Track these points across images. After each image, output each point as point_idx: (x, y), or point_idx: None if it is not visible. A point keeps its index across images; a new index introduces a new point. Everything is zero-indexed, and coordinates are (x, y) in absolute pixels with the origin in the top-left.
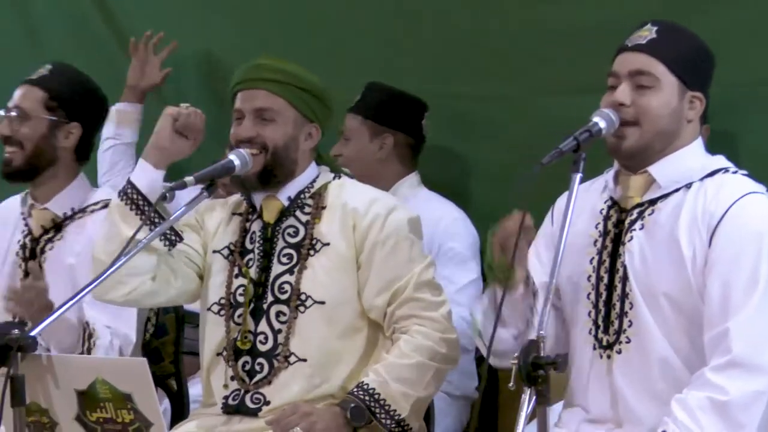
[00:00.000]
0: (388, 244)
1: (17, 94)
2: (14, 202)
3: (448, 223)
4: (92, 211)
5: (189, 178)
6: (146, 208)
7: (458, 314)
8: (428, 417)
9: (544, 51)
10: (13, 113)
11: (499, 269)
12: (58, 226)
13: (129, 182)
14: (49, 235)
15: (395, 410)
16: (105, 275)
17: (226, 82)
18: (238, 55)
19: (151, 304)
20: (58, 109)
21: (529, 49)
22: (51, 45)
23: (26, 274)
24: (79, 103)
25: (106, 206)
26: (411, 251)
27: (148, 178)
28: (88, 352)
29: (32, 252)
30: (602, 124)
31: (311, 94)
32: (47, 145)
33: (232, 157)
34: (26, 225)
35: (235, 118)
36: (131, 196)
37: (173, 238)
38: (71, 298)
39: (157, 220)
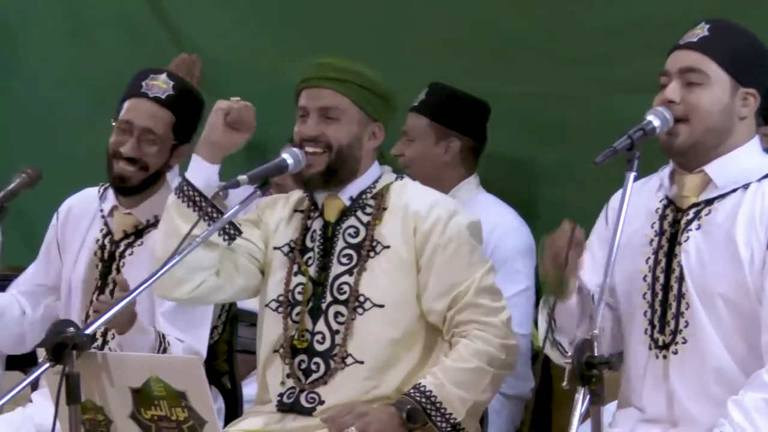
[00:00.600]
0: (449, 249)
1: (150, 116)
2: (91, 194)
3: (502, 232)
4: None
5: (242, 177)
6: (203, 204)
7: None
8: (482, 417)
9: (603, 49)
10: (154, 137)
11: (551, 282)
12: (139, 232)
13: (184, 179)
14: (130, 240)
15: (451, 413)
16: (163, 270)
17: (274, 80)
18: (289, 54)
19: (216, 300)
20: (180, 133)
21: (589, 47)
22: (103, 44)
23: (103, 275)
24: (194, 123)
25: None
26: (471, 256)
27: (203, 173)
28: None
29: (111, 254)
30: (656, 123)
31: (376, 93)
32: (164, 166)
33: (285, 155)
34: (106, 224)
35: (299, 116)
36: (187, 192)
37: (232, 232)
38: (130, 294)
39: (214, 214)
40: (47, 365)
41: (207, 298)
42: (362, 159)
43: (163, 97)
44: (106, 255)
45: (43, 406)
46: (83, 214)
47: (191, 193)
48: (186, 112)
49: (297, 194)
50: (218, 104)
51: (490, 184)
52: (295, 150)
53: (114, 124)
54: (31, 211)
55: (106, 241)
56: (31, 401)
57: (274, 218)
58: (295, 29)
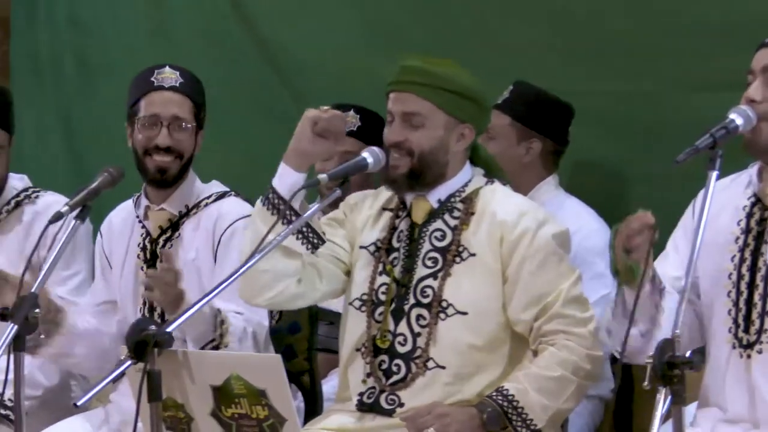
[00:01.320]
0: (536, 259)
1: (174, 103)
2: (128, 205)
3: (584, 234)
4: (206, 205)
5: (322, 176)
6: (282, 208)
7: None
8: (563, 425)
9: (686, 46)
10: (189, 125)
11: (623, 269)
12: (174, 224)
13: (270, 187)
14: (167, 235)
15: (532, 419)
16: (238, 274)
17: (360, 82)
18: (374, 55)
19: (295, 307)
20: (199, 117)
21: (671, 45)
22: (185, 45)
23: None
24: (205, 108)
25: (217, 199)
26: (559, 266)
27: (288, 181)
28: (221, 338)
29: (152, 253)
30: (739, 121)
31: (463, 95)
32: (192, 153)
33: (365, 154)
34: (143, 227)
35: (387, 120)
36: (272, 200)
37: (315, 241)
38: (207, 294)
39: (293, 218)
40: (129, 363)
41: (287, 305)
42: (450, 161)
43: (178, 84)
44: (148, 255)
45: (122, 404)
46: (123, 225)
47: (276, 201)
48: (200, 96)
49: (384, 193)
50: (307, 113)
51: (570, 184)
52: (375, 149)
53: (134, 125)
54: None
55: (146, 242)
56: (110, 401)
57: (361, 216)
58: (383, 30)
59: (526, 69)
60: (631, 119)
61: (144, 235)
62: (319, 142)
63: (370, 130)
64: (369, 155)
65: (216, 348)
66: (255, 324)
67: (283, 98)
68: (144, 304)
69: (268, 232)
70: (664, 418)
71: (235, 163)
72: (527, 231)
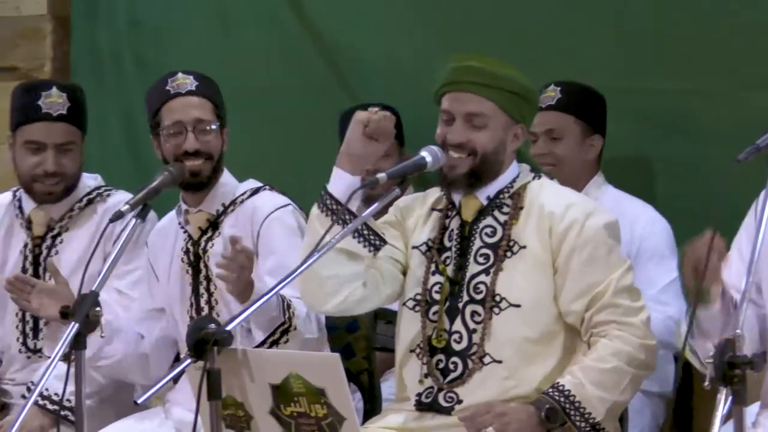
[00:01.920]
0: (585, 250)
1: (194, 106)
2: (171, 216)
3: (645, 222)
4: (242, 202)
5: (381, 175)
6: (338, 211)
7: (664, 313)
8: (621, 416)
9: (745, 44)
10: (213, 126)
11: (693, 291)
12: (213, 224)
13: (325, 191)
14: (208, 235)
15: (590, 413)
16: (298, 272)
17: (418, 82)
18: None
19: (362, 310)
20: (220, 115)
21: (729, 42)
22: (246, 46)
23: (194, 276)
24: (223, 106)
25: (252, 194)
26: (609, 257)
27: (343, 184)
28: (290, 321)
29: (195, 255)
30: None
31: (521, 96)
32: (221, 153)
33: (423, 153)
34: (185, 232)
35: (442, 119)
36: (329, 205)
37: (377, 242)
38: (269, 291)
39: (350, 220)
40: (189, 361)
41: (353, 310)
42: (505, 161)
43: (194, 88)
44: (191, 257)
45: (182, 403)
46: (167, 234)
47: (333, 205)
48: (217, 95)
49: (434, 192)
50: (357, 116)
51: (625, 183)
52: (434, 147)
53: (159, 136)
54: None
55: (189, 245)
56: (168, 400)
57: (413, 218)
58: (438, 30)
59: (581, 67)
60: (688, 118)
61: (186, 239)
62: (369, 143)
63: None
64: (428, 154)
65: (286, 331)
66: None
67: (340, 97)
68: (191, 306)
69: (325, 234)
70: (725, 419)
71: (294, 160)
72: (575, 222)
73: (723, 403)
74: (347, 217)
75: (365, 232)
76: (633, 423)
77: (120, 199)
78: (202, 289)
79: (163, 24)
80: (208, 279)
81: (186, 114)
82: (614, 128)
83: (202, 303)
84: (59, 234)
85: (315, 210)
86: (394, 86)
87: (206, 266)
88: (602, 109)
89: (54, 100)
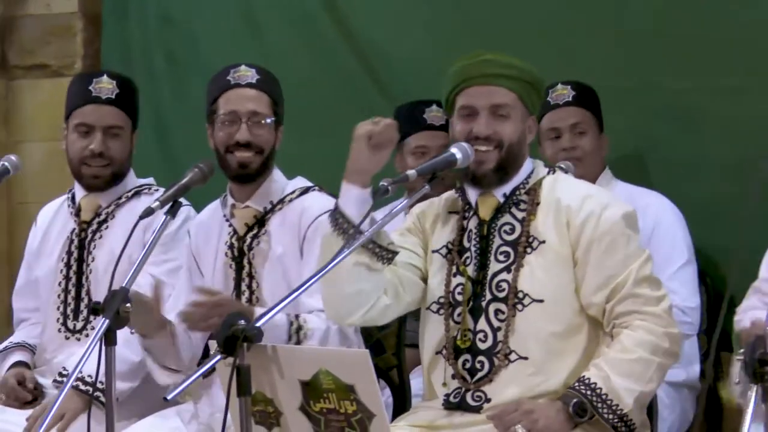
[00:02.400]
0: (604, 242)
1: (251, 99)
2: (215, 205)
3: (657, 209)
4: (290, 201)
5: (411, 172)
6: (351, 232)
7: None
8: (650, 411)
9: (747, 43)
10: (268, 120)
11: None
12: (260, 221)
13: (337, 209)
14: (254, 232)
15: (618, 405)
16: (303, 288)
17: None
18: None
19: (386, 320)
20: (278, 112)
21: (732, 41)
22: (278, 44)
23: (237, 272)
24: (283, 101)
25: (301, 194)
26: (627, 247)
27: (355, 200)
28: (298, 344)
29: (240, 251)
30: None
31: (535, 87)
32: (273, 149)
33: (453, 150)
34: (230, 226)
35: (463, 115)
36: (341, 225)
37: (387, 255)
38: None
39: (355, 234)
40: (219, 357)
41: (379, 320)
42: (525, 153)
43: (254, 81)
44: (236, 253)
45: (213, 399)
46: (211, 225)
47: (345, 224)
48: (277, 91)
49: (448, 196)
50: (358, 130)
51: (658, 181)
52: (464, 144)
53: (214, 125)
54: (202, 207)
55: (234, 240)
56: (201, 395)
57: (429, 222)
58: (469, 26)
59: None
60: (693, 115)
61: (231, 234)
62: (375, 154)
63: None
64: (458, 151)
65: None
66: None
67: (371, 93)
68: None
69: (333, 260)
70: (757, 415)
71: (322, 157)
72: (592, 214)
73: (753, 399)
74: (354, 234)
75: (371, 246)
76: (663, 417)
77: None
78: (244, 286)
79: (193, 21)
80: (251, 276)
81: (242, 105)
82: (621, 126)
83: (243, 300)
84: (105, 220)
85: (329, 228)
86: (424, 82)
87: (250, 263)
88: (599, 105)
89: (104, 86)
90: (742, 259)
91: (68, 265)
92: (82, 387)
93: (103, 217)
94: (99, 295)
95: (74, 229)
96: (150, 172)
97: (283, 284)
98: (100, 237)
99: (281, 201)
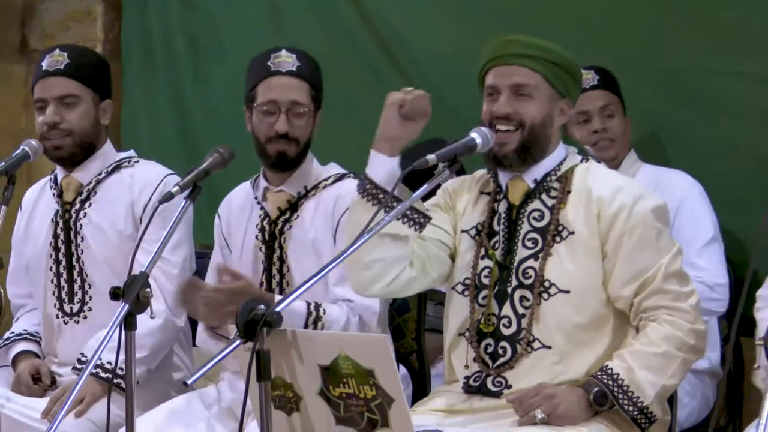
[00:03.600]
0: (634, 235)
1: (291, 88)
2: (245, 187)
3: (683, 186)
4: (324, 187)
5: (431, 156)
6: (383, 198)
7: (697, 278)
8: (671, 397)
9: None
10: (307, 110)
11: None
12: (293, 205)
13: (365, 176)
14: (286, 216)
15: (638, 397)
16: (334, 264)
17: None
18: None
19: (411, 292)
20: (317, 99)
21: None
22: (299, 32)
23: (267, 256)
24: (322, 88)
25: (336, 181)
26: (658, 241)
27: (384, 168)
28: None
29: (271, 234)
30: None
31: (565, 69)
32: (310, 136)
33: (473, 134)
34: (262, 209)
35: (486, 95)
36: (370, 190)
37: (421, 220)
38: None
39: (395, 206)
40: (239, 342)
41: (402, 292)
42: (552, 137)
43: (295, 69)
44: (267, 236)
45: (233, 383)
46: (242, 206)
47: (373, 190)
48: (317, 78)
49: (481, 176)
50: (390, 98)
51: (676, 163)
52: (484, 129)
53: (252, 110)
54: (223, 191)
55: (265, 223)
56: (222, 379)
57: (462, 201)
58: (491, 15)
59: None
60: (745, 101)
61: (263, 216)
62: (406, 124)
63: None
64: (477, 135)
65: None
66: (363, 309)
67: (390, 78)
68: (261, 285)
69: (370, 222)
70: None
71: (341, 141)
72: (624, 206)
73: None
74: (392, 202)
75: (409, 212)
76: (683, 403)
77: (148, 168)
78: (274, 270)
79: (213, 4)
80: (282, 260)
81: (282, 95)
82: (644, 110)
83: (274, 284)
84: (88, 198)
85: (356, 197)
86: (443, 65)
87: (281, 247)
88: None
89: (54, 59)
90: (764, 244)
91: (57, 249)
92: (102, 374)
93: (85, 195)
94: (94, 275)
95: (57, 210)
96: (169, 156)
97: (314, 269)
98: (85, 215)
99: (315, 187)
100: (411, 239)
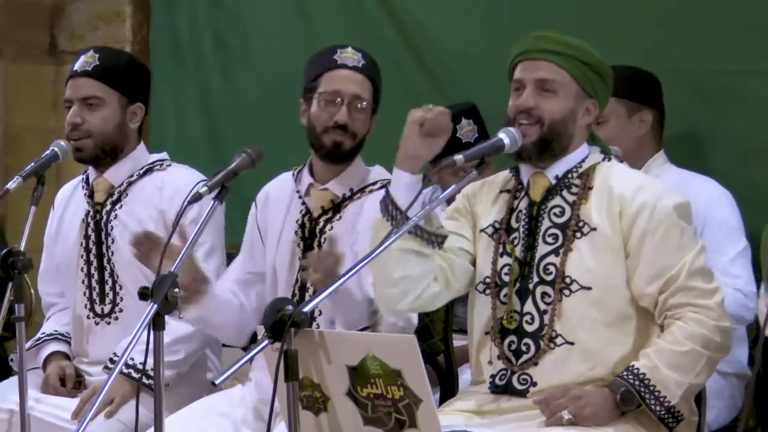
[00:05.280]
0: (658, 233)
1: (355, 82)
2: (287, 178)
3: (710, 195)
4: (370, 191)
5: (459, 157)
6: (399, 217)
7: (734, 286)
8: (698, 398)
9: None
10: (364, 104)
11: None
12: (337, 206)
13: (388, 195)
14: (328, 216)
15: (665, 396)
16: (346, 277)
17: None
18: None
19: (436, 306)
20: (377, 100)
21: None
22: (326, 29)
23: (305, 253)
24: (380, 92)
25: (383, 187)
26: (682, 238)
27: (405, 186)
28: (374, 327)
29: (311, 232)
30: None
31: (593, 69)
32: (365, 135)
33: (501, 135)
34: (303, 204)
35: (513, 89)
36: (390, 211)
37: (436, 240)
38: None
39: (402, 219)
40: (266, 342)
41: (428, 306)
42: (575, 135)
43: (360, 65)
44: (306, 233)
45: (260, 383)
46: (281, 198)
47: (392, 210)
48: (378, 79)
49: (502, 176)
50: (411, 116)
51: (693, 163)
52: (511, 129)
53: (311, 101)
54: (251, 192)
55: (306, 219)
56: (250, 379)
57: (481, 203)
58: (518, 14)
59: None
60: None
61: (303, 212)
62: (428, 141)
63: None
64: (505, 136)
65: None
66: (405, 320)
67: (418, 77)
68: (296, 282)
69: (380, 246)
70: None
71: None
72: (646, 204)
73: None
74: (403, 220)
75: (419, 232)
76: (710, 404)
77: (179, 173)
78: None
79: (242, 4)
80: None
81: (346, 86)
82: (679, 108)
83: (308, 283)
84: (119, 199)
85: (378, 216)
86: (471, 66)
87: (320, 246)
88: (649, 84)
89: (86, 60)
90: None
91: (88, 249)
92: (134, 374)
93: (116, 196)
94: (125, 276)
95: (89, 211)
96: (197, 156)
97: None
98: (116, 217)
99: (361, 190)
100: (434, 255)
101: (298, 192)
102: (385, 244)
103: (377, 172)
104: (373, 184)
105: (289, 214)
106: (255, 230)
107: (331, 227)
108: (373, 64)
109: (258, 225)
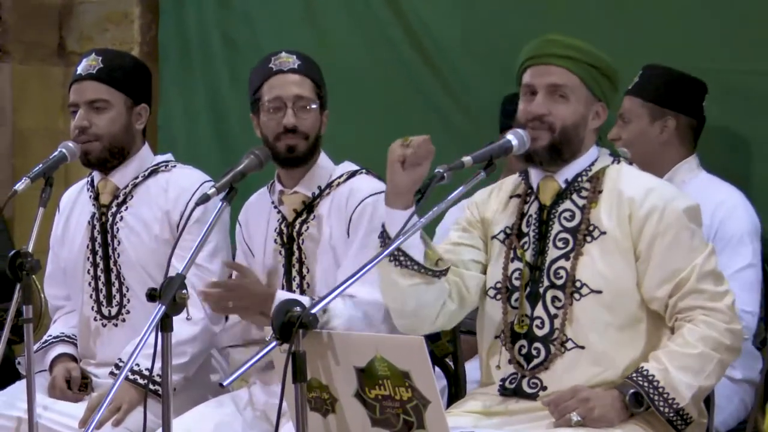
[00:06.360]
0: (668, 236)
1: (295, 84)
2: (262, 193)
3: (728, 207)
4: (338, 185)
5: (467, 158)
6: (398, 254)
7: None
8: (708, 402)
9: None
10: (313, 105)
11: None
12: (309, 206)
13: (385, 232)
14: (303, 217)
15: (674, 398)
16: (336, 292)
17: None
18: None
19: (456, 321)
20: (322, 97)
21: None
22: (334, 32)
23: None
24: (324, 87)
25: (349, 177)
26: (692, 241)
27: (399, 222)
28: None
29: (290, 237)
30: None
31: (602, 72)
32: (318, 133)
33: (509, 136)
34: (279, 212)
35: (523, 94)
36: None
37: (438, 273)
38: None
39: (402, 259)
40: (275, 344)
41: (449, 323)
42: (585, 139)
43: (296, 66)
44: (285, 239)
45: (267, 385)
46: (260, 212)
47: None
48: (319, 75)
49: (511, 181)
50: (391, 154)
51: (714, 165)
52: (520, 131)
53: (259, 113)
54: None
55: (283, 226)
56: (254, 383)
57: (490, 209)
58: (525, 11)
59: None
60: None
61: (280, 220)
62: (411, 172)
63: None
64: (513, 137)
65: None
66: (366, 304)
67: (425, 77)
68: (282, 288)
69: (361, 273)
70: None
71: (377, 141)
72: (655, 208)
73: None
74: (403, 258)
75: (422, 271)
76: (720, 408)
77: (184, 173)
78: (294, 272)
79: (250, 5)
80: (301, 262)
81: (286, 90)
82: (711, 111)
83: (294, 286)
84: (125, 201)
85: (378, 246)
86: (477, 67)
87: (300, 249)
88: (680, 89)
89: (89, 63)
90: None
91: (94, 252)
92: (140, 381)
93: (121, 198)
94: (131, 278)
95: (94, 213)
96: (206, 157)
97: (334, 269)
98: (121, 219)
99: (329, 185)
100: (443, 279)
101: (273, 202)
102: (366, 269)
103: (344, 166)
104: (340, 177)
105: (269, 225)
106: (244, 246)
107: (307, 227)
108: (309, 62)
109: (245, 242)
